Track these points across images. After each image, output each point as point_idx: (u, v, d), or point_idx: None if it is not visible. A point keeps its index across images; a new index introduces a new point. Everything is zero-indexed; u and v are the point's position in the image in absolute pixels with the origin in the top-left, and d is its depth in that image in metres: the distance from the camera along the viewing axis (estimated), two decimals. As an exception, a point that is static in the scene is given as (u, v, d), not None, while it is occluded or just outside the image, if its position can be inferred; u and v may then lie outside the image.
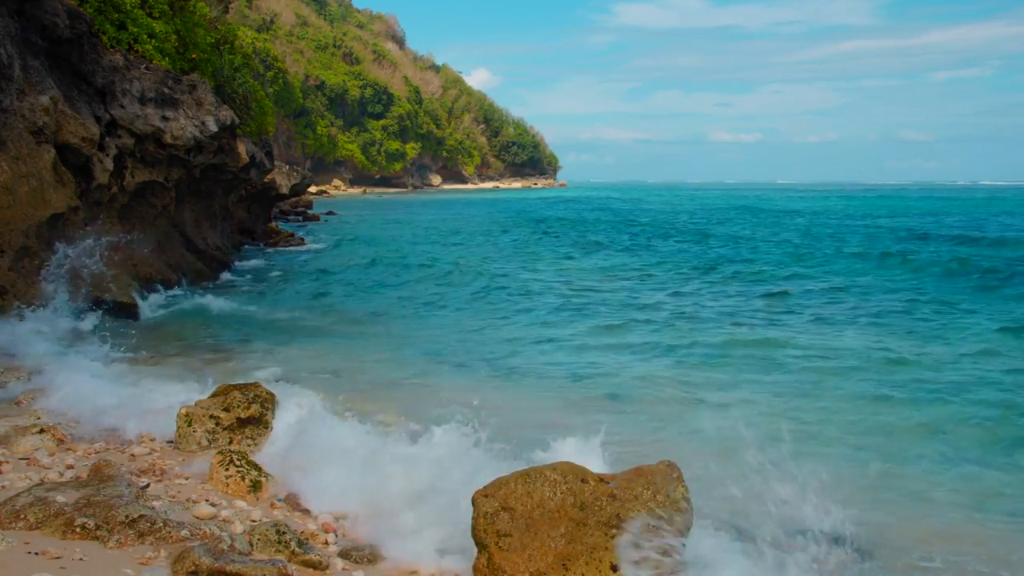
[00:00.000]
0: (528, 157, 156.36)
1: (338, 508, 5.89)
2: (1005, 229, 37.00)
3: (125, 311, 13.06)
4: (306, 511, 5.95)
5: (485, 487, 4.77)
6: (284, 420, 7.32)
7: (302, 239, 31.50)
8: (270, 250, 27.06)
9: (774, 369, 10.36)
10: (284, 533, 5.21)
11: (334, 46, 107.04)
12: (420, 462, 6.05)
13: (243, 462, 6.36)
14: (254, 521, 5.63)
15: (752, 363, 10.68)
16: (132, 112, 13.83)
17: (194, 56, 16.72)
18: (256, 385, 7.56)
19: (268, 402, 7.38)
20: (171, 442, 7.23)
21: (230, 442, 7.10)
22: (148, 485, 6.15)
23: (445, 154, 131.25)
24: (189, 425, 7.14)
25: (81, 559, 4.72)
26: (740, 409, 8.78)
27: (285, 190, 31.77)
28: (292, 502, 6.09)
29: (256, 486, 6.18)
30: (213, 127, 15.31)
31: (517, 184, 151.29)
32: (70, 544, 4.93)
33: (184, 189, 17.29)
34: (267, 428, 7.28)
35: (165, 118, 14.37)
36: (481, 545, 4.60)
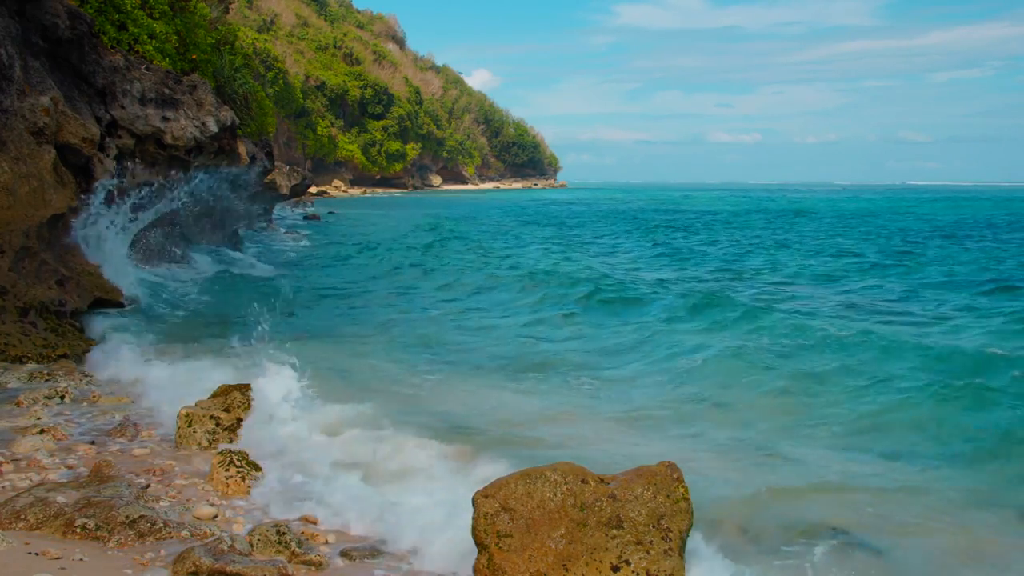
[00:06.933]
0: (528, 158, 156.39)
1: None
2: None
3: (113, 306, 13.03)
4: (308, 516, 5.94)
5: (485, 487, 4.77)
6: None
7: (303, 238, 31.53)
8: (270, 250, 27.06)
9: (777, 368, 10.35)
10: (284, 533, 5.21)
11: (334, 47, 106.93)
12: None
13: (243, 462, 6.36)
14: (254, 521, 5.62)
15: (757, 361, 10.67)
16: (132, 112, 13.83)
17: (194, 57, 16.69)
18: (256, 385, 7.57)
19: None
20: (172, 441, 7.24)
21: (231, 442, 7.10)
22: (148, 485, 6.15)
23: (445, 155, 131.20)
24: (189, 425, 7.14)
25: (81, 559, 4.72)
26: (743, 408, 8.78)
27: (285, 191, 31.76)
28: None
29: (256, 486, 6.18)
30: (213, 127, 15.30)
31: (517, 184, 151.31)
32: (70, 544, 4.93)
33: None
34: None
35: (165, 119, 14.37)
36: (481, 546, 4.60)
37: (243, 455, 6.45)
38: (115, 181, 13.51)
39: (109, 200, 13.60)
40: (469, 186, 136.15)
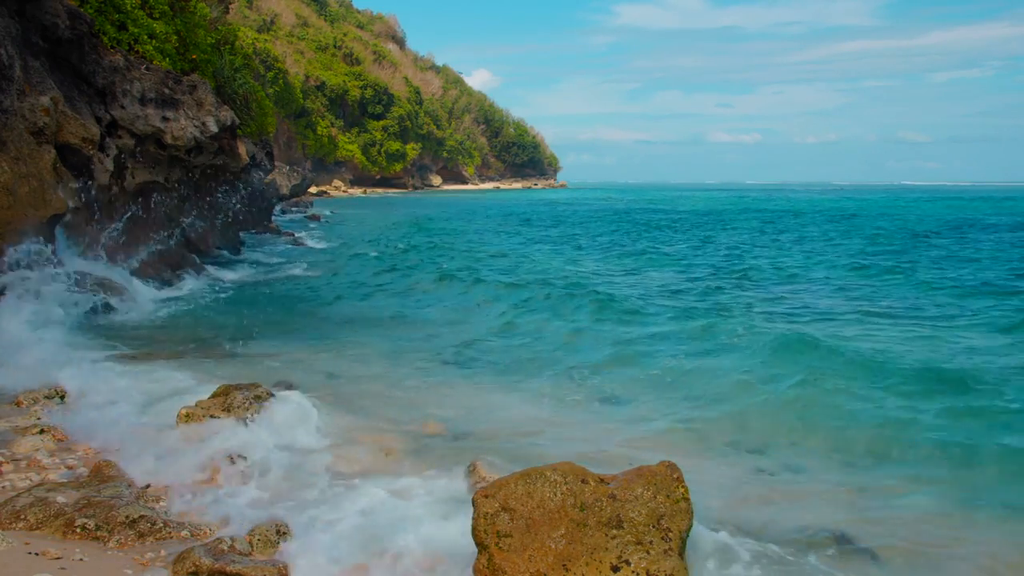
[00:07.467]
0: (528, 158, 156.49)
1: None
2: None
3: (121, 310, 13.06)
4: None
5: (485, 487, 4.77)
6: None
7: (303, 238, 31.53)
8: (271, 250, 27.06)
9: (778, 367, 10.35)
10: (284, 533, 5.21)
11: (334, 47, 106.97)
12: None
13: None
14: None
15: (757, 361, 10.67)
16: (132, 112, 13.83)
17: (194, 57, 16.70)
18: (256, 385, 7.56)
19: (268, 402, 7.37)
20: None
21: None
22: (148, 485, 6.15)
23: (445, 155, 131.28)
24: (189, 425, 7.12)
25: (81, 559, 4.72)
26: (743, 408, 8.78)
27: (285, 191, 31.82)
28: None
29: (256, 486, 6.17)
30: (213, 127, 15.31)
31: (517, 184, 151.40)
32: (70, 544, 4.94)
33: (184, 189, 17.30)
34: (267, 428, 7.26)
35: (165, 118, 14.37)
36: (481, 546, 4.60)
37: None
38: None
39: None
40: (469, 186, 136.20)
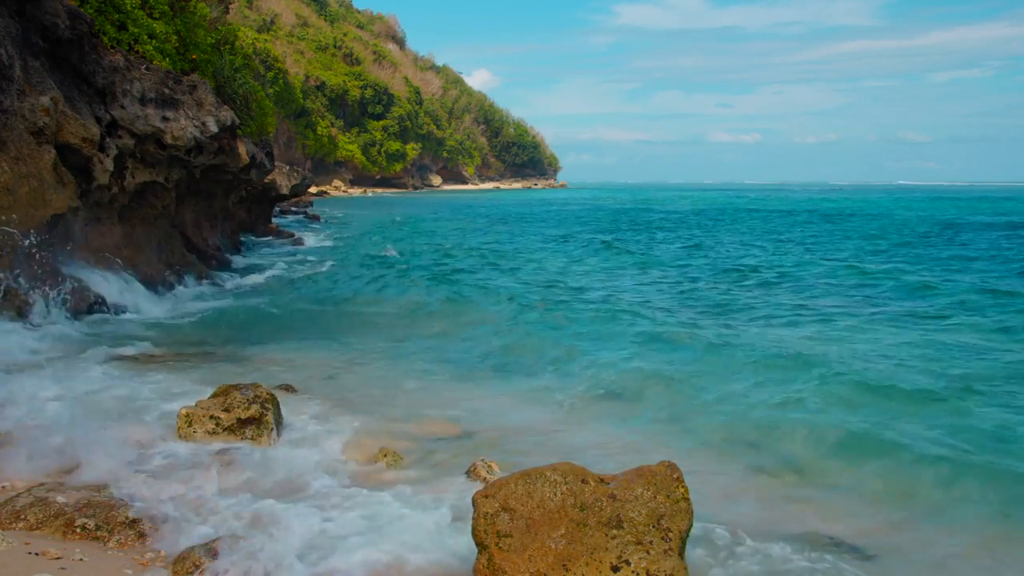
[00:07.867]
0: (528, 158, 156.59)
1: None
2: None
3: (120, 311, 13.06)
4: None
5: (486, 487, 4.77)
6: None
7: (303, 239, 31.52)
8: (271, 250, 27.06)
9: (777, 368, 10.36)
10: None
11: (334, 47, 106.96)
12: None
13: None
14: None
15: (755, 361, 10.67)
16: (132, 113, 13.83)
17: (194, 57, 16.70)
18: (256, 385, 7.55)
19: (268, 402, 7.37)
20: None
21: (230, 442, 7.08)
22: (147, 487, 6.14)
23: (445, 155, 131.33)
24: (189, 425, 7.12)
25: (81, 559, 4.72)
26: (742, 409, 8.78)
27: (285, 191, 31.76)
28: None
29: (256, 486, 6.16)
30: (213, 128, 15.30)
31: (517, 184, 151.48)
32: (70, 544, 4.94)
33: (184, 190, 17.30)
34: (268, 428, 7.27)
35: (165, 119, 14.37)
36: (481, 546, 4.60)
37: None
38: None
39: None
40: (469, 186, 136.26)
